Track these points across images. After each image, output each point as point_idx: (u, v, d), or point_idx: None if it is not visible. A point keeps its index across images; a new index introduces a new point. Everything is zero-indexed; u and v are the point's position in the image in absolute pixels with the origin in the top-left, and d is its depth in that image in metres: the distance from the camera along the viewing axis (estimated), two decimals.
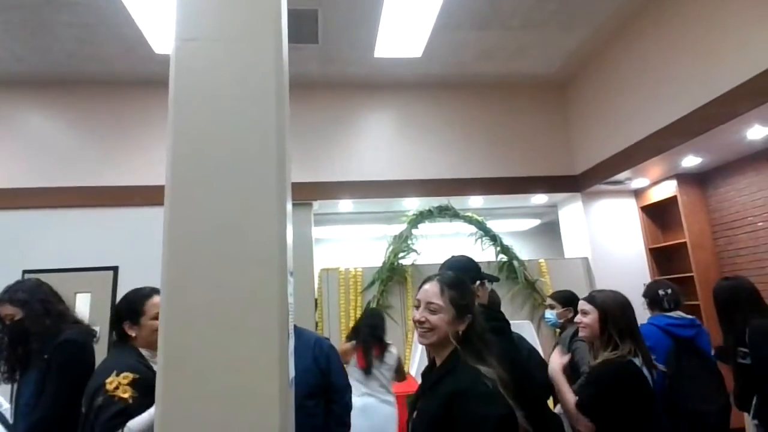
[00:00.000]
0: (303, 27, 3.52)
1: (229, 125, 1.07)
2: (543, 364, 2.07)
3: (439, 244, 6.06)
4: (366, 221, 5.47)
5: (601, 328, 1.73)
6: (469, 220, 4.58)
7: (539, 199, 5.05)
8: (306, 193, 4.41)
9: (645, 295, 2.63)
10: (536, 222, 6.25)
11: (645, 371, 1.65)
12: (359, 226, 5.68)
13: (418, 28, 3.63)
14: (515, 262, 4.45)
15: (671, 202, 4.39)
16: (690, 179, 4.31)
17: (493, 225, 5.42)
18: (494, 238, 4.54)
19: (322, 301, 4.26)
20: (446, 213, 4.56)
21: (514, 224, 6.39)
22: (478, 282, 1.66)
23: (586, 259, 4.71)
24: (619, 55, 4.06)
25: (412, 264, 4.40)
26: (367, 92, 4.68)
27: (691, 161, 3.92)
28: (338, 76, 4.45)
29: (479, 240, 4.62)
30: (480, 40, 3.96)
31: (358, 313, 4.18)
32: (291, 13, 3.34)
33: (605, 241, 4.74)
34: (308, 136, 4.54)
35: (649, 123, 3.68)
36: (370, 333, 3.00)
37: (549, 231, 5.58)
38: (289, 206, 1.14)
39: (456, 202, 4.68)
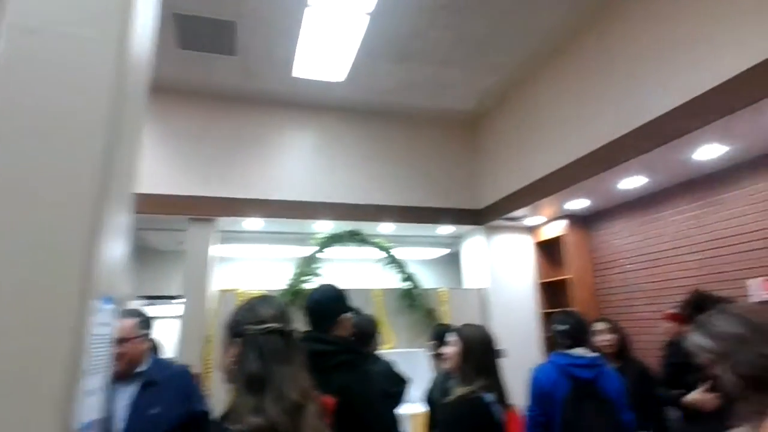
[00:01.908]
0: (221, 37, 3.41)
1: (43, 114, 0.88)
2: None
3: (348, 268, 6.08)
4: (279, 242, 5.30)
5: (462, 361, 1.77)
6: (379, 246, 4.63)
7: (446, 229, 5.26)
8: (207, 209, 4.18)
9: (548, 328, 2.67)
10: (444, 251, 6.50)
11: (496, 407, 1.67)
12: (273, 246, 5.49)
13: (339, 54, 3.68)
14: (416, 290, 4.56)
15: (560, 240, 4.81)
16: (576, 220, 4.77)
17: (404, 252, 5.55)
18: (399, 265, 4.62)
19: (216, 324, 4.00)
20: (356, 238, 4.57)
21: (424, 252, 6.58)
22: (347, 314, 1.65)
23: (484, 289, 4.97)
24: (524, 100, 4.43)
25: None
26: (286, 111, 4.62)
27: (578, 204, 4.34)
28: (256, 92, 4.35)
29: (387, 266, 4.67)
30: (403, 72, 4.11)
31: None
32: (208, 22, 3.24)
33: (502, 274, 5.04)
34: (219, 149, 4.35)
35: (543, 166, 4.03)
36: None
37: (455, 261, 5.82)
38: (117, 218, 0.96)
39: (367, 227, 4.72)
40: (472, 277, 5.31)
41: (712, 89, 2.52)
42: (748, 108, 2.38)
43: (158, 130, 4.24)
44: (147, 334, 1.88)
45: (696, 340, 1.12)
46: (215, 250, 4.37)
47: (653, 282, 3.98)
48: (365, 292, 4.57)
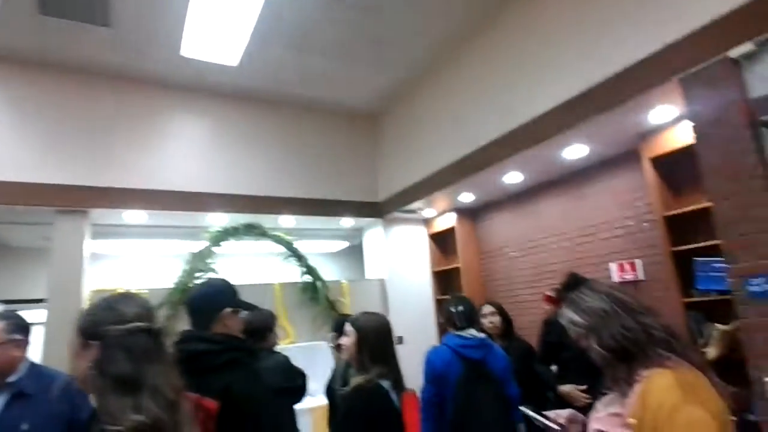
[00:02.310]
0: (90, 4, 3.01)
1: None
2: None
3: (246, 263, 5.83)
4: (166, 236, 4.87)
5: (357, 350, 1.78)
6: (277, 240, 4.50)
7: (347, 222, 5.29)
8: (78, 199, 3.71)
9: (442, 312, 2.78)
10: (346, 244, 6.53)
11: (393, 394, 1.72)
12: (158, 240, 5.03)
13: (232, 34, 3.47)
14: (318, 283, 4.53)
15: (451, 231, 5.11)
16: (465, 213, 5.10)
17: (305, 245, 5.45)
18: (300, 259, 4.54)
19: None
20: (253, 231, 4.39)
21: (325, 245, 6.55)
22: (229, 309, 1.57)
23: (383, 280, 5.10)
24: (420, 98, 4.60)
25: None
26: (175, 93, 4.25)
27: (467, 197, 4.64)
28: (139, 70, 3.93)
29: (286, 260, 4.56)
30: (299, 63, 4.01)
31: None
32: None
33: (399, 264, 5.21)
34: (94, 132, 3.86)
35: (436, 161, 4.23)
36: None
37: (357, 253, 5.88)
38: None
39: (267, 220, 4.56)
40: (373, 268, 5.42)
41: (577, 96, 2.86)
42: (606, 113, 2.73)
43: (19, 108, 3.64)
44: (20, 340, 1.61)
45: (567, 315, 1.25)
46: (88, 246, 3.89)
47: (532, 268, 4.41)
48: (265, 287, 4.43)
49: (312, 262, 4.79)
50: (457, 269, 5.01)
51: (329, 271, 6.87)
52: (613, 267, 3.54)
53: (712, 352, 2.68)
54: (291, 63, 4.00)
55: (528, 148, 3.27)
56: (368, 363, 1.73)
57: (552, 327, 2.80)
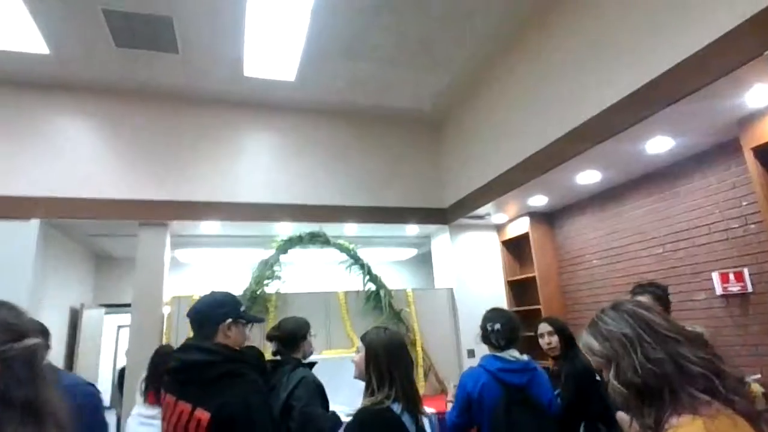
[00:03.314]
0: (158, 34, 3.27)
1: None
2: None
3: (312, 272, 5.96)
4: (237, 245, 5.15)
5: (366, 368, 1.64)
6: (340, 248, 4.52)
7: (412, 229, 5.16)
8: (161, 213, 4.04)
9: (480, 327, 2.35)
10: (415, 252, 6.41)
11: (406, 417, 1.55)
12: (230, 249, 5.34)
13: (286, 51, 3.57)
14: (381, 292, 4.45)
15: (525, 237, 4.74)
16: (540, 217, 4.70)
17: (372, 253, 5.43)
18: (363, 266, 4.51)
19: (171, 331, 3.85)
20: (317, 239, 4.45)
21: (394, 253, 6.48)
22: (229, 320, 1.54)
23: (451, 290, 4.88)
24: (482, 99, 4.35)
25: (277, 292, 4.19)
26: (240, 111, 4.48)
27: (539, 200, 4.27)
28: (207, 92, 4.21)
29: (349, 268, 4.55)
30: (351, 71, 4.01)
31: None
32: (141, 18, 3.10)
33: (469, 273, 4.96)
34: (171, 151, 4.20)
35: (501, 163, 3.95)
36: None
37: (428, 261, 5.73)
38: None
39: (332, 229, 4.61)
40: (441, 277, 5.23)
41: (655, 79, 2.45)
42: (689, 98, 2.31)
43: (105, 133, 4.08)
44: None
45: (585, 341, 1.01)
46: (168, 255, 4.22)
47: (617, 277, 3.92)
48: (329, 295, 4.46)
49: (381, 270, 4.74)
50: (533, 278, 4.63)
51: (399, 280, 6.79)
52: (715, 277, 3.00)
53: None
54: (344, 72, 4.00)
55: (601, 142, 2.88)
56: (376, 383, 1.59)
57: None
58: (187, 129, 4.28)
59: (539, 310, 4.44)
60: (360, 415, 1.54)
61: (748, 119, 2.54)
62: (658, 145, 2.95)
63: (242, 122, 4.49)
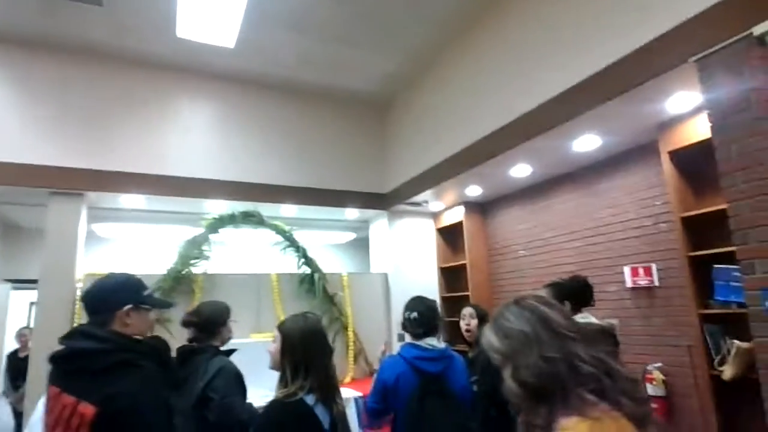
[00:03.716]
0: None
1: None
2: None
3: (245, 252, 5.77)
4: (164, 221, 4.85)
5: (282, 358, 1.57)
6: (275, 229, 4.39)
7: (351, 213, 5.13)
8: (76, 182, 3.69)
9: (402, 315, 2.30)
10: (353, 236, 6.39)
11: (320, 409, 1.50)
12: (156, 226, 5.01)
13: (225, 13, 3.33)
14: (316, 275, 4.40)
15: (459, 226, 4.87)
16: (474, 207, 4.85)
17: (310, 236, 5.34)
18: (298, 249, 4.42)
19: (82, 312, 3.56)
20: (251, 219, 4.29)
21: (333, 237, 6.42)
22: (128, 306, 1.40)
23: (386, 274, 4.93)
24: (425, 86, 4.37)
25: (204, 273, 4.01)
26: (172, 75, 4.16)
27: (474, 191, 4.39)
28: (135, 51, 3.86)
29: (284, 250, 4.44)
30: (298, 45, 3.86)
31: None
32: None
33: (404, 258, 5.03)
34: (91, 113, 3.82)
35: (441, 152, 4.01)
36: None
37: (365, 245, 5.73)
38: None
39: (269, 209, 4.45)
40: (378, 261, 5.26)
41: (585, 80, 2.58)
42: (616, 100, 2.45)
43: (17, 88, 3.64)
44: None
45: (487, 336, 0.99)
46: (83, 228, 3.88)
47: (540, 267, 4.14)
48: (261, 277, 4.33)
49: (318, 253, 4.66)
50: (464, 266, 4.78)
51: (336, 263, 6.76)
52: (627, 270, 3.25)
53: (728, 371, 2.39)
54: (290, 45, 3.84)
55: (533, 137, 3.00)
56: (290, 373, 1.53)
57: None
58: (111, 90, 3.92)
59: (468, 296, 4.60)
60: (270, 408, 1.48)
61: (668, 124, 2.75)
62: (586, 143, 3.12)
63: (174, 88, 4.19)
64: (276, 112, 4.59)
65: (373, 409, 2.03)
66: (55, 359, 1.33)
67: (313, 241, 6.07)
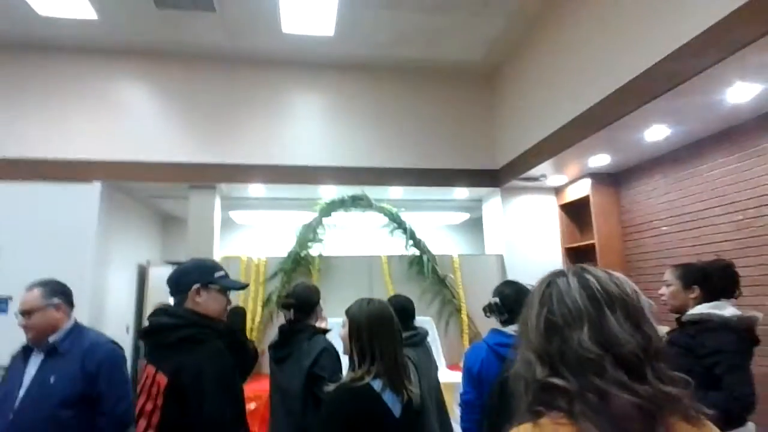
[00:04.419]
0: None
1: None
2: None
3: (355, 235, 5.93)
4: (285, 207, 5.23)
5: (349, 343, 1.54)
6: (383, 211, 4.41)
7: (461, 193, 4.93)
8: (208, 176, 4.15)
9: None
10: (466, 216, 6.15)
11: (389, 395, 1.43)
12: (279, 211, 5.43)
13: (322, 3, 3.39)
14: (425, 257, 4.32)
15: (586, 201, 4.34)
16: (603, 179, 4.26)
17: (420, 218, 5.28)
18: (406, 231, 4.38)
19: None
20: (359, 203, 4.37)
21: (444, 218, 6.28)
22: (197, 286, 1.51)
23: (501, 256, 4.63)
24: (537, 47, 3.93)
25: (319, 255, 4.21)
26: (281, 70, 4.41)
27: (601, 160, 3.85)
28: (246, 51, 4.17)
29: (392, 232, 4.45)
30: (394, 22, 3.76)
31: (258, 305, 3.99)
32: None
33: (522, 239, 4.67)
34: (214, 113, 4.26)
35: (559, 117, 3.57)
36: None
37: (481, 226, 5.48)
38: None
39: (376, 192, 4.51)
40: (492, 242, 4.98)
41: (731, 14, 2.01)
42: None
43: (155, 96, 4.21)
44: (58, 303, 1.82)
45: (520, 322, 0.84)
46: (218, 216, 4.36)
47: (688, 246, 3.47)
48: (371, 259, 4.41)
49: (431, 234, 4.59)
50: (593, 246, 4.26)
51: (451, 245, 6.59)
52: None
53: None
54: (386, 24, 3.76)
55: (669, 90, 2.47)
56: (358, 358, 1.49)
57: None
58: (231, 90, 4.30)
59: None
60: (335, 392, 1.45)
61: None
62: (741, 93, 2.47)
63: (284, 82, 4.43)
64: (379, 94, 4.58)
65: (465, 401, 1.91)
66: (141, 334, 1.54)
67: (426, 222, 6.01)
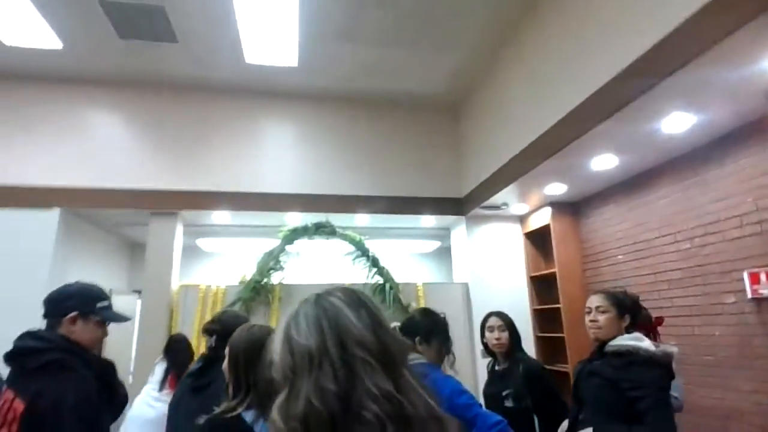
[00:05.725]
0: (154, 24, 3.30)
1: None
2: None
3: (320, 263, 5.89)
4: (252, 235, 5.20)
5: (228, 371, 1.46)
6: (347, 239, 4.41)
7: (428, 220, 4.96)
8: (170, 202, 4.13)
9: None
10: (437, 244, 6.17)
11: (262, 427, 1.34)
12: (246, 239, 5.40)
13: (283, 35, 3.49)
14: (387, 285, 4.30)
15: (548, 229, 4.39)
16: (563, 207, 4.33)
17: (388, 245, 5.27)
18: (369, 258, 4.37)
19: (177, 319, 3.94)
20: (323, 230, 4.37)
21: (414, 246, 6.28)
22: (74, 313, 1.45)
23: (466, 284, 4.63)
24: (499, 76, 4.03)
25: (280, 283, 4.17)
26: (246, 98, 4.47)
27: (557, 188, 3.92)
28: (210, 80, 4.23)
29: (355, 260, 4.44)
30: (355, 55, 3.87)
31: None
32: (134, 8, 3.14)
33: (487, 267, 4.68)
34: (178, 141, 4.28)
35: (513, 147, 3.65)
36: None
37: (450, 254, 5.49)
38: None
39: (343, 219, 4.52)
40: (459, 270, 4.99)
41: (661, 42, 2.11)
42: (705, 61, 1.96)
43: (118, 124, 4.23)
44: None
45: (275, 344, 0.72)
46: (179, 244, 4.32)
47: (643, 275, 3.51)
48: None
49: (403, 262, 4.57)
50: (554, 274, 4.29)
51: (422, 272, 6.57)
52: (746, 276, 2.58)
53: None
54: (346, 56, 3.86)
55: (606, 119, 2.55)
56: (233, 388, 1.43)
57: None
58: (195, 118, 4.34)
59: (560, 309, 4.10)
60: (205, 425, 1.37)
61: None
62: (676, 123, 2.57)
63: (250, 110, 4.49)
64: (343, 124, 4.65)
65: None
66: (5, 358, 1.42)
67: (397, 250, 6.00)
